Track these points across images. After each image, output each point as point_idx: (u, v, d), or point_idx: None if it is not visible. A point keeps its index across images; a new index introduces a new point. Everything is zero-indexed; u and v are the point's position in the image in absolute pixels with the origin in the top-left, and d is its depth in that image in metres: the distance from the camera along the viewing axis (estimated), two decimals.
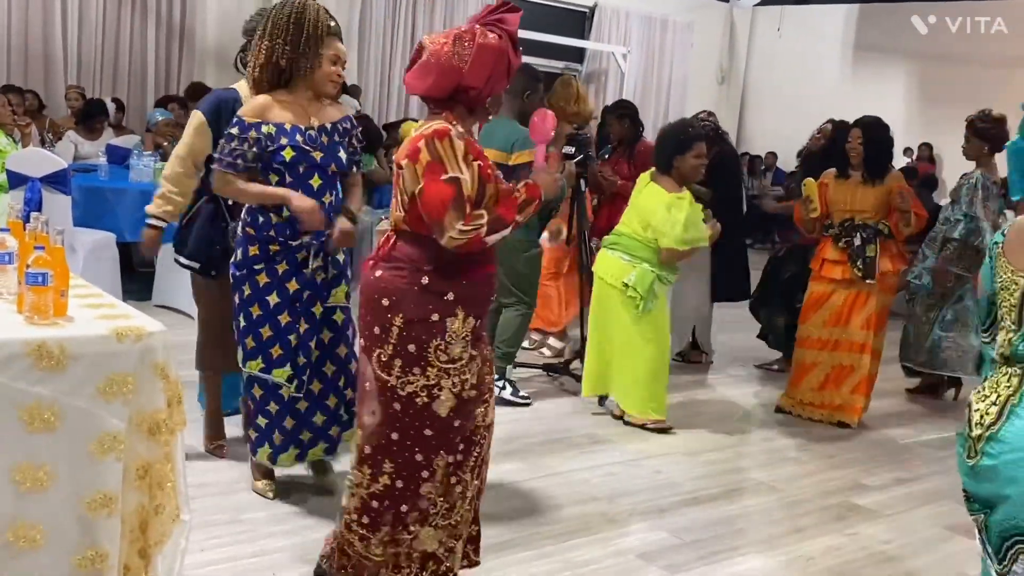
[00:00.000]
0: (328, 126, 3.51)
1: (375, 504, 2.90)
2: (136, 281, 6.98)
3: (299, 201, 3.39)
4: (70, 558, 2.39)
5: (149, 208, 3.83)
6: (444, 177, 2.75)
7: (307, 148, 3.43)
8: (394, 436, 2.85)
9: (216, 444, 4.10)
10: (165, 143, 7.51)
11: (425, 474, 2.87)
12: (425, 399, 2.82)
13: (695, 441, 4.97)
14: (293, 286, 3.50)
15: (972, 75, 11.35)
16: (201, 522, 3.28)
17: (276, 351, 3.53)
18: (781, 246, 6.45)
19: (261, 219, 3.46)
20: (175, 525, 2.58)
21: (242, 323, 3.54)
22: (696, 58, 13.92)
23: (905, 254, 5.44)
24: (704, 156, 5.02)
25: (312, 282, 3.53)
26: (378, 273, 2.87)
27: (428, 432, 2.85)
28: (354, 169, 3.66)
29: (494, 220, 2.80)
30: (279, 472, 3.79)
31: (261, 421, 3.64)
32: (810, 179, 5.51)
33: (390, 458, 2.87)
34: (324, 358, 3.64)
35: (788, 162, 12.90)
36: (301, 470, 3.86)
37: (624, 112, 6.72)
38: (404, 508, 2.89)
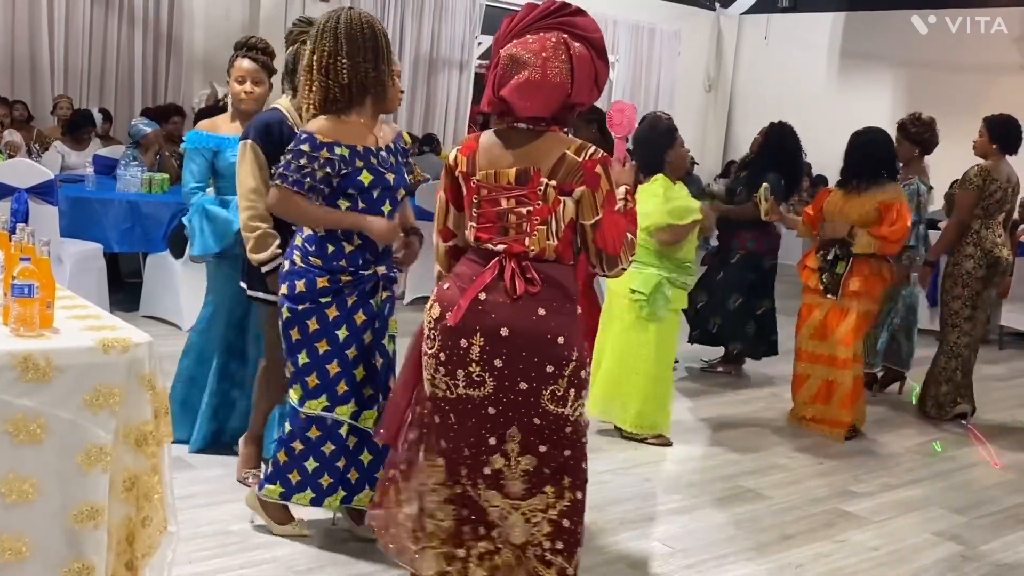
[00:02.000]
0: (391, 146, 3.35)
1: (566, 523, 2.83)
2: (123, 291, 6.96)
3: (377, 225, 3.19)
4: (56, 571, 2.38)
5: (260, 257, 3.50)
6: (617, 208, 2.73)
7: (381, 171, 3.24)
8: (567, 453, 2.82)
9: (253, 473, 3.88)
10: (162, 154, 7.49)
11: (586, 480, 2.90)
12: (582, 416, 2.85)
13: (684, 449, 4.97)
14: (361, 318, 3.28)
15: (958, 82, 11.43)
16: (189, 534, 3.28)
17: (342, 387, 3.29)
18: (733, 252, 6.32)
19: (331, 248, 3.21)
20: (162, 537, 2.57)
21: (302, 360, 3.27)
22: (683, 66, 13.97)
23: (885, 273, 5.26)
24: (683, 144, 5.03)
25: (380, 312, 3.33)
26: (541, 312, 2.72)
27: (584, 440, 2.88)
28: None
29: (636, 238, 2.85)
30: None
31: (310, 464, 3.34)
32: (766, 184, 5.57)
33: (568, 473, 2.83)
34: (378, 392, 3.42)
35: None
36: None
37: (593, 117, 6.32)
38: (585, 521, 2.90)
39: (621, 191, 2.87)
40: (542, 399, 2.75)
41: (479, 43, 11.90)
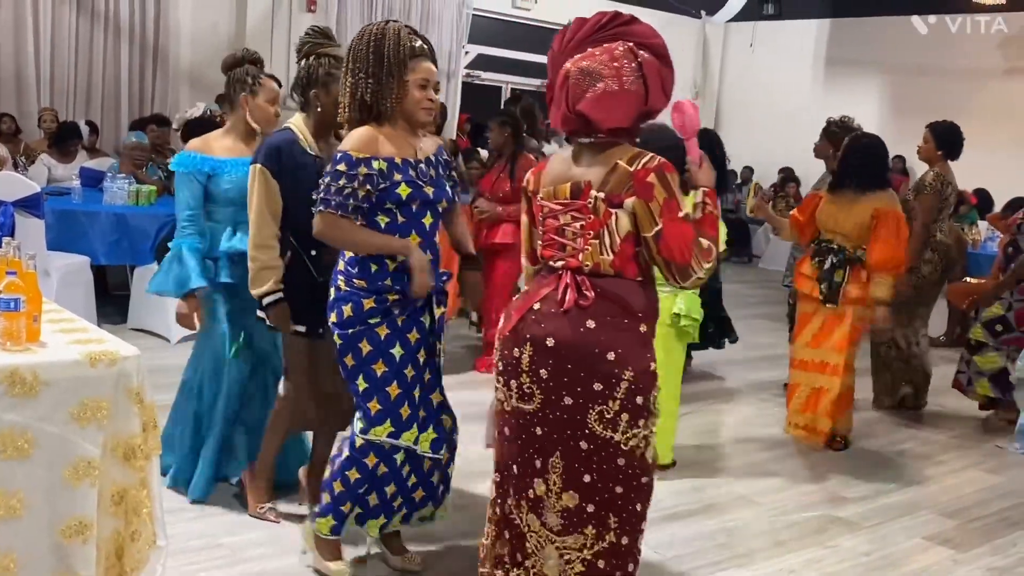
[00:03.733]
0: (432, 158, 3.19)
1: (602, 564, 2.73)
2: (111, 304, 6.93)
3: (420, 258, 3.05)
4: None
5: (259, 291, 3.41)
6: (681, 215, 2.59)
7: (420, 183, 3.09)
8: (618, 490, 2.70)
9: (269, 507, 3.72)
10: (137, 168, 7.47)
11: (642, 525, 2.78)
12: (643, 449, 2.70)
13: (675, 456, 4.97)
14: (414, 336, 3.14)
15: (942, 87, 11.48)
16: (178, 548, 3.25)
17: (404, 411, 3.14)
18: None
19: (374, 268, 3.08)
20: (152, 551, 2.56)
21: (362, 386, 3.11)
22: None
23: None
24: None
25: (432, 330, 3.19)
26: (590, 324, 2.63)
27: (644, 480, 2.74)
28: (456, 201, 3.36)
29: (716, 244, 2.69)
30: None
31: (363, 490, 3.20)
32: (756, 181, 5.66)
33: (615, 513, 2.72)
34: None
35: (765, 176, 13.00)
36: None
37: (506, 120, 6.21)
38: (631, 567, 2.78)
39: (699, 194, 2.77)
40: (588, 418, 2.65)
41: (466, 52, 11.91)
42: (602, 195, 2.63)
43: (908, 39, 12.06)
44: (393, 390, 3.11)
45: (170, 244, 3.86)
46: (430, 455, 3.21)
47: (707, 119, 15.06)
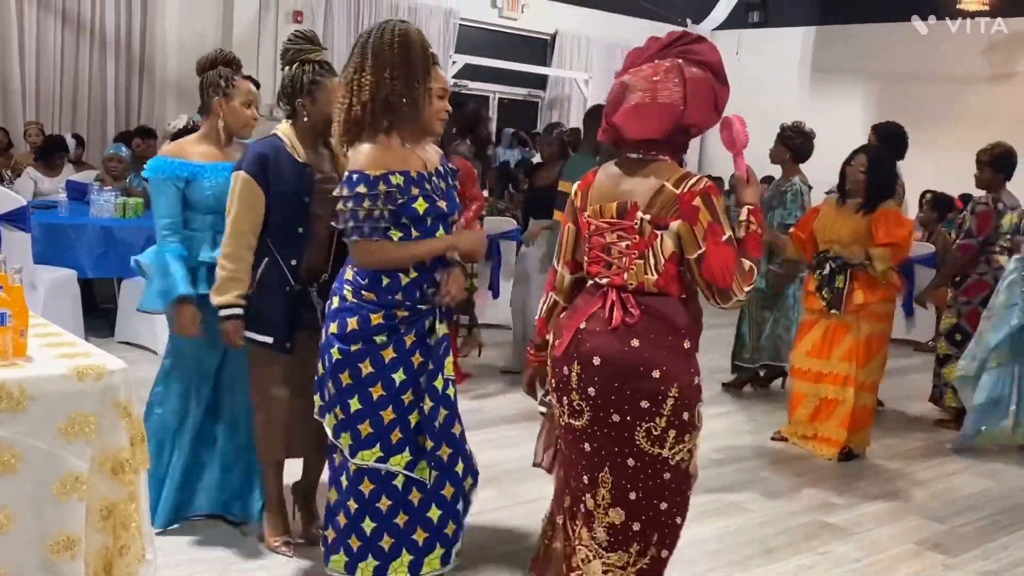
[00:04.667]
0: (440, 169, 3.07)
1: None
2: (98, 318, 6.91)
3: (466, 240, 2.99)
4: None
5: (219, 300, 3.31)
6: (724, 239, 2.60)
7: (435, 197, 2.96)
8: (663, 506, 2.73)
9: (283, 540, 3.56)
10: (116, 180, 7.44)
11: (677, 538, 2.78)
12: (687, 464, 2.72)
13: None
14: (418, 359, 2.98)
15: (927, 93, 11.55)
16: (166, 562, 3.24)
17: (396, 435, 2.97)
18: None
19: (386, 280, 2.92)
20: (140, 566, 2.54)
21: (354, 407, 2.95)
22: None
23: (891, 282, 5.16)
24: None
25: (436, 352, 3.02)
26: (635, 343, 2.64)
27: (688, 493, 2.77)
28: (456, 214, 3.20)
29: (756, 265, 2.72)
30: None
31: (367, 525, 2.99)
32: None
33: (658, 529, 2.74)
34: (440, 440, 3.08)
35: None
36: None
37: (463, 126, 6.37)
38: None
39: (743, 211, 2.77)
40: (636, 436, 2.66)
41: (453, 62, 11.91)
42: (648, 217, 2.64)
43: (893, 46, 12.13)
44: (387, 414, 2.96)
45: (137, 258, 3.73)
46: (445, 485, 3.05)
47: None
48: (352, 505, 2.99)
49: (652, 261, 2.66)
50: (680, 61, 2.67)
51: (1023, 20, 10.85)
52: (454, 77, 12.21)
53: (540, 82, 13.52)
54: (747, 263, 2.68)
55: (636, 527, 2.73)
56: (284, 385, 3.42)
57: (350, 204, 2.88)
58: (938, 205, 9.03)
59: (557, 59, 13.38)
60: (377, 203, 2.85)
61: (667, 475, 2.70)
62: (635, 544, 2.74)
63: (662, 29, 13.86)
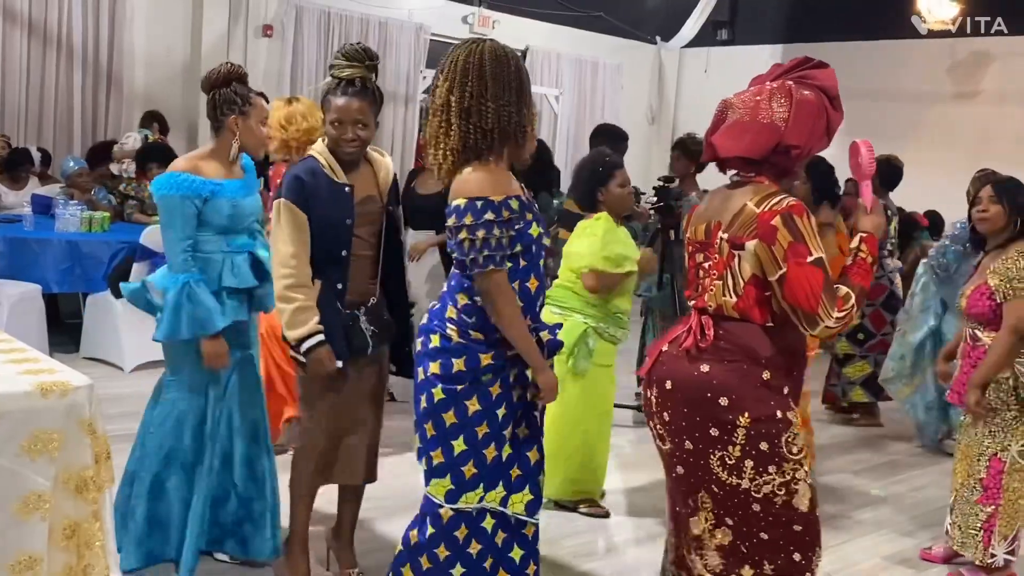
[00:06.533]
0: (528, 194, 2.90)
1: None
2: (63, 333, 6.81)
3: (545, 379, 2.77)
4: None
5: (297, 334, 3.12)
6: (810, 260, 2.46)
7: (541, 222, 2.83)
8: (765, 536, 2.59)
9: None
10: (85, 193, 7.39)
11: (805, 573, 2.62)
12: (784, 497, 2.56)
13: (640, 478, 4.96)
14: (518, 392, 2.82)
15: (893, 110, 11.70)
16: None
17: (495, 472, 2.82)
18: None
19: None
20: None
21: (458, 448, 2.76)
22: (626, 99, 14.11)
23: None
24: (628, 183, 4.50)
25: (534, 385, 2.83)
26: (704, 368, 2.56)
27: (797, 528, 2.59)
28: None
29: (860, 294, 2.57)
30: None
31: (456, 571, 2.82)
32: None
33: (768, 559, 2.60)
34: (534, 474, 2.94)
35: None
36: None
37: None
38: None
39: (856, 239, 2.66)
40: (711, 464, 2.58)
41: (424, 77, 11.91)
42: (727, 236, 2.57)
43: (858, 64, 12.26)
44: (490, 452, 2.79)
45: (149, 280, 3.39)
46: (525, 518, 2.86)
47: (663, 143, 15.20)
48: (442, 552, 2.81)
49: (731, 283, 2.57)
50: (791, 84, 2.61)
51: (985, 40, 11.02)
52: (424, 92, 12.22)
53: None
54: (842, 288, 2.54)
55: (745, 548, 2.61)
56: (331, 413, 3.29)
57: (480, 233, 2.64)
58: (902, 223, 9.13)
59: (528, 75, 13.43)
60: (503, 229, 2.67)
61: (756, 507, 2.57)
62: (747, 567, 2.61)
63: (632, 47, 13.92)
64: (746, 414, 2.52)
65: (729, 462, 2.55)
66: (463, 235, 2.66)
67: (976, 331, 3.84)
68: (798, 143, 2.58)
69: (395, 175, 3.41)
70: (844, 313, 2.50)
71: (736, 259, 2.55)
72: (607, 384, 4.46)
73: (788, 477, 2.56)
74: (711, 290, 2.61)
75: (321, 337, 3.13)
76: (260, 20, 10.41)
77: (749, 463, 2.54)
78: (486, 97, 2.71)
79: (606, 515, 4.43)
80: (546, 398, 2.80)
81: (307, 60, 10.73)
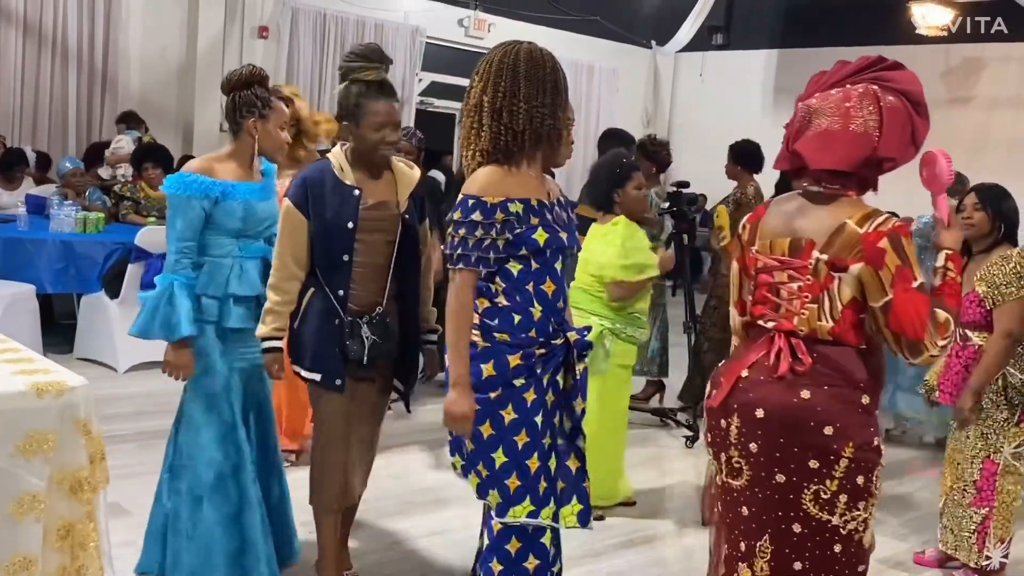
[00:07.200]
0: (561, 200, 2.87)
1: None
2: (57, 333, 6.80)
3: (451, 398, 2.68)
4: None
5: (258, 332, 3.15)
6: (915, 285, 2.30)
7: (556, 228, 2.75)
8: None
9: None
10: (79, 195, 7.39)
11: None
12: (861, 533, 2.43)
13: (639, 480, 4.96)
14: (551, 397, 2.76)
15: None
16: None
17: (542, 485, 2.73)
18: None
19: (518, 317, 2.70)
20: None
21: (499, 460, 2.70)
22: (622, 103, 14.14)
23: None
24: (644, 186, 4.51)
25: (575, 387, 2.81)
26: (805, 394, 2.37)
27: (861, 568, 2.46)
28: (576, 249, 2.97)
29: (955, 318, 2.41)
30: None
31: None
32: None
33: None
34: (581, 485, 2.91)
35: (715, 202, 13.13)
36: None
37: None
38: None
39: (941, 257, 2.51)
40: (803, 499, 2.39)
41: (419, 79, 11.93)
42: (825, 257, 2.39)
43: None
44: (533, 463, 2.71)
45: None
46: (579, 529, 2.83)
47: None
48: (496, 567, 2.76)
49: (827, 306, 2.39)
50: (875, 88, 2.43)
51: (979, 46, 11.06)
52: (420, 95, 12.23)
53: None
54: (942, 314, 2.37)
55: None
56: (344, 424, 3.20)
57: (462, 230, 2.66)
58: None
59: None
60: (491, 232, 2.64)
61: (837, 547, 2.41)
62: None
63: (627, 52, 14.00)
64: (851, 444, 2.37)
65: (824, 496, 2.39)
66: (450, 229, 2.70)
67: (966, 331, 3.87)
68: (892, 155, 2.42)
69: (426, 194, 3.31)
70: (947, 341, 2.37)
71: (836, 282, 2.38)
72: (623, 385, 4.49)
73: (868, 513, 2.44)
74: (803, 313, 2.42)
75: (274, 343, 3.13)
76: (256, 21, 10.42)
77: (843, 497, 2.39)
78: (518, 97, 2.67)
79: (600, 518, 4.41)
80: (444, 420, 2.68)
81: (303, 61, 10.74)
